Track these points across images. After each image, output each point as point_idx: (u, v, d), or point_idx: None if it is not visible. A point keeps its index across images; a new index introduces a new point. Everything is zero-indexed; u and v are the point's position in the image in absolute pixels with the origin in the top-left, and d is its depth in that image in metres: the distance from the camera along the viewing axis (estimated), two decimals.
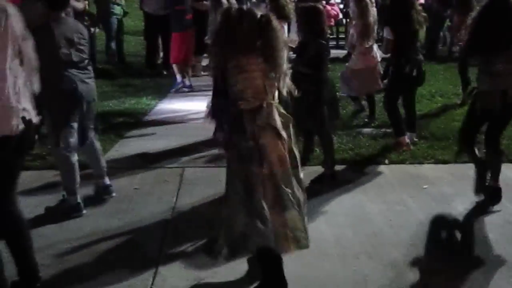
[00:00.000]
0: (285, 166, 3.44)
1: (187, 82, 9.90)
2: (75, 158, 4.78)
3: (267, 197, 3.40)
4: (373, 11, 7.42)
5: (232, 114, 3.43)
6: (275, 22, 3.44)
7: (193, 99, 8.87)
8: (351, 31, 7.65)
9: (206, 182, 5.49)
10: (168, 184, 5.53)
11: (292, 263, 3.84)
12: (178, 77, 9.84)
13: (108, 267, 4.01)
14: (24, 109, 3.40)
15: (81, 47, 4.76)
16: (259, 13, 3.43)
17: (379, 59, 7.55)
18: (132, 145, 6.60)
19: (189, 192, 5.33)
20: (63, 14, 4.79)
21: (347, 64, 7.84)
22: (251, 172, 3.38)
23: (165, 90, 9.76)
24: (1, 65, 3.31)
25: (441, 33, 13.17)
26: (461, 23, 8.61)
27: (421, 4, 12.24)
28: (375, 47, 7.53)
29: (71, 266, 4.03)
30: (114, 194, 5.23)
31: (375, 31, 7.66)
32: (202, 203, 5.12)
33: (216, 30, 3.55)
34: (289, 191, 3.45)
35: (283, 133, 3.45)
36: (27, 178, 4.18)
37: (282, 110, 3.53)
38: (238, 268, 3.90)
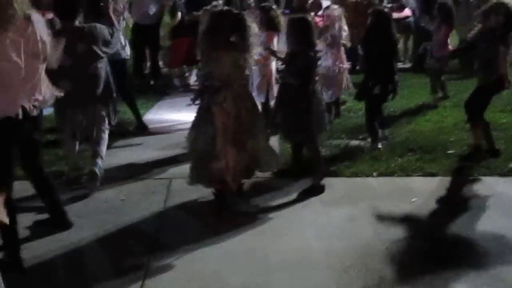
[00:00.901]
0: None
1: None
2: None
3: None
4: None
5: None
6: (248, 20, 4.92)
7: (181, 109, 8.82)
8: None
9: (194, 193, 5.45)
10: (155, 195, 5.49)
11: (280, 275, 3.81)
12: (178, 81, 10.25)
13: (95, 279, 3.96)
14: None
15: None
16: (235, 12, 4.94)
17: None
18: (119, 155, 6.54)
19: (176, 203, 5.29)
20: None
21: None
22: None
23: (152, 100, 9.70)
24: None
25: (429, 46, 13.20)
26: (447, 35, 8.79)
27: (408, 17, 12.38)
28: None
29: (58, 278, 3.97)
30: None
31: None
32: (190, 214, 5.08)
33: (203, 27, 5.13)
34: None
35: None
36: (15, 187, 4.12)
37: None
38: (228, 281, 3.87)
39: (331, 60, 7.87)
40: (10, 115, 3.79)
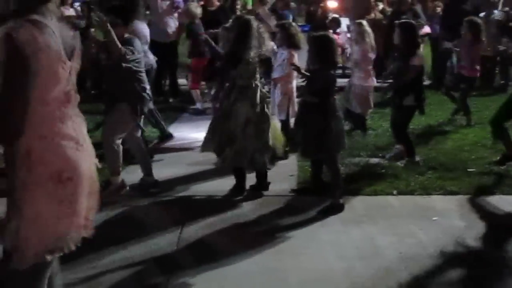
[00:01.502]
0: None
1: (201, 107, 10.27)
2: None
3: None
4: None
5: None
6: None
7: (200, 125, 8.83)
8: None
9: (213, 212, 5.43)
10: (175, 213, 5.47)
11: None
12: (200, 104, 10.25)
13: None
14: None
15: None
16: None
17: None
18: (139, 172, 6.54)
19: (195, 221, 5.27)
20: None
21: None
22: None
23: (171, 117, 9.71)
24: None
25: (448, 63, 13.14)
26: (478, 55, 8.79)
27: (427, 34, 12.34)
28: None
29: None
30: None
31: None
32: (209, 233, 5.05)
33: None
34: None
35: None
36: None
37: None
38: None
39: (358, 79, 8.14)
40: None
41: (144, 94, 5.85)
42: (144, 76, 5.92)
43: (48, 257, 2.64)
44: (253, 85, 5.72)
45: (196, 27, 9.99)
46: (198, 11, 10.04)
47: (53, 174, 2.58)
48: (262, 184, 6.00)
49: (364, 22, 8.36)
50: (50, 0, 2.62)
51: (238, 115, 5.67)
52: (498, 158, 6.66)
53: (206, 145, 5.98)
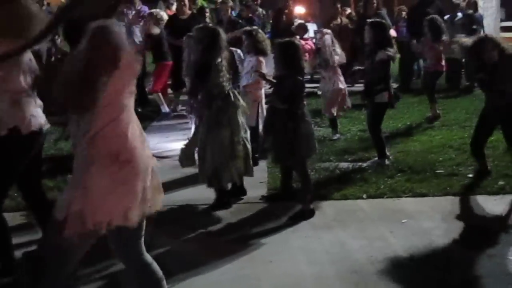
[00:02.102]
0: None
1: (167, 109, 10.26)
2: None
3: None
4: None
5: None
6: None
7: (170, 134, 8.81)
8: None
9: (183, 220, 5.41)
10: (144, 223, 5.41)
11: None
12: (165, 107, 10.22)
13: None
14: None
15: None
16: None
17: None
18: None
19: (165, 230, 5.21)
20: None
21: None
22: None
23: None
24: None
25: (415, 66, 13.30)
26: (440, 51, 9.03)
27: (393, 37, 12.46)
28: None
29: None
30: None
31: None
32: (179, 242, 5.02)
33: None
34: None
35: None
36: None
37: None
38: None
39: (326, 83, 8.34)
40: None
41: None
42: None
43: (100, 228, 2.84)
44: (229, 92, 5.69)
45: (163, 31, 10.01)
46: (164, 16, 10.03)
47: (112, 154, 2.83)
48: (240, 189, 5.99)
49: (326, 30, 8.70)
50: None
51: (231, 123, 5.65)
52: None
53: (187, 160, 5.94)
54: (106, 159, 2.82)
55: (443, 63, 9.28)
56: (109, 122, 2.84)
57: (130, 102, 2.97)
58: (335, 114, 8.47)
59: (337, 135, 8.43)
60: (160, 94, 10.28)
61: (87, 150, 2.84)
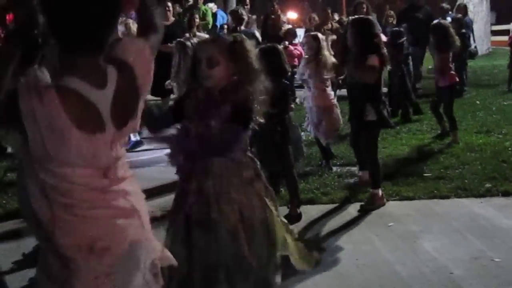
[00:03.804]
0: None
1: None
2: None
3: None
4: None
5: None
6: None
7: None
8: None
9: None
10: None
11: None
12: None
13: None
14: None
15: None
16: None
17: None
18: None
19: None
20: None
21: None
22: None
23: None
24: None
25: (405, 70, 13.31)
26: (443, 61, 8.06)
27: (384, 43, 12.48)
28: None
29: None
30: None
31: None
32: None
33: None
34: None
35: None
36: None
37: None
38: None
39: (311, 95, 6.98)
40: None
41: None
42: None
43: None
44: None
45: None
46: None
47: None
48: None
49: (320, 36, 7.16)
50: None
51: None
52: None
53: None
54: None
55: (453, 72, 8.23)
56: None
57: None
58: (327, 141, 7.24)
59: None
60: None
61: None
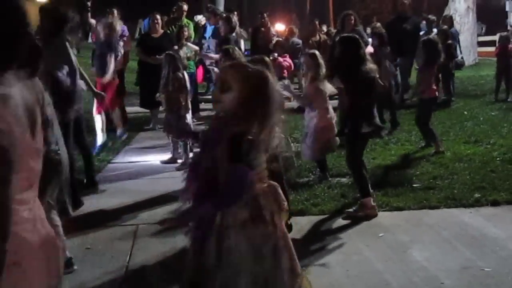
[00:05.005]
0: None
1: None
2: None
3: None
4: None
5: None
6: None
7: (148, 152, 8.78)
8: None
9: (161, 240, 5.38)
10: (121, 243, 5.40)
11: None
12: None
13: None
14: None
15: None
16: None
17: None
18: (85, 203, 6.45)
19: (143, 250, 5.21)
20: None
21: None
22: None
23: (120, 145, 9.56)
24: None
25: (392, 81, 13.39)
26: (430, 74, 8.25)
27: (370, 54, 12.56)
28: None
29: None
30: None
31: None
32: (156, 261, 4.99)
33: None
34: None
35: None
36: None
37: None
38: None
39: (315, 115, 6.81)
40: None
41: None
42: None
43: None
44: None
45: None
46: (118, 26, 9.67)
47: None
48: None
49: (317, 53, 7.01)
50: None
51: None
52: None
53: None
54: None
55: (434, 86, 8.44)
56: None
57: None
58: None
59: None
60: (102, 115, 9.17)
61: None
